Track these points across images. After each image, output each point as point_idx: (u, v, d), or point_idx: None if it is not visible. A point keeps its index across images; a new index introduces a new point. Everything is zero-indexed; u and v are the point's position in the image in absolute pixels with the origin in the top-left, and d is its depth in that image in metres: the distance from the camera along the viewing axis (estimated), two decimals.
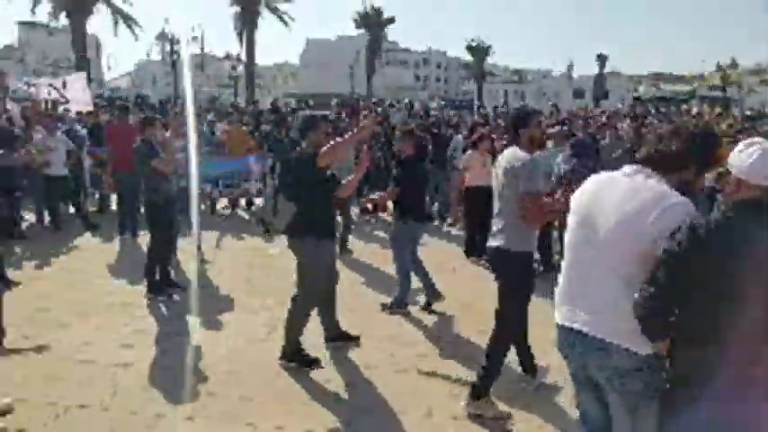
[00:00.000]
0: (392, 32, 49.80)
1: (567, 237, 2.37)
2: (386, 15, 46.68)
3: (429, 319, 5.34)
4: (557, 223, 6.40)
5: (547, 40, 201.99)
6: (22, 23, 55.09)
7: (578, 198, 2.36)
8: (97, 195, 10.17)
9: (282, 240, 8.19)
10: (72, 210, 9.12)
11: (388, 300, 5.58)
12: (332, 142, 4.16)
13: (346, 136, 4.32)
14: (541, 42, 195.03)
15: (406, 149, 5.50)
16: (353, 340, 4.68)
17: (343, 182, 4.47)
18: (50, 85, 10.19)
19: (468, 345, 4.73)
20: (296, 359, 4.26)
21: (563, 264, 2.39)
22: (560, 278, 2.39)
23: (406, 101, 16.90)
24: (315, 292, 4.31)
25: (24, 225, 8.62)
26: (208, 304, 5.59)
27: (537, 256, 6.61)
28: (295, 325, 4.28)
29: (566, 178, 5.95)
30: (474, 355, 4.32)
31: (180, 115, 6.97)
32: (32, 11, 30.49)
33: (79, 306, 5.45)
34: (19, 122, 9.38)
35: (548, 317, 2.62)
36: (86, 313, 5.27)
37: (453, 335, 5.01)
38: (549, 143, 7.23)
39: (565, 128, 8.12)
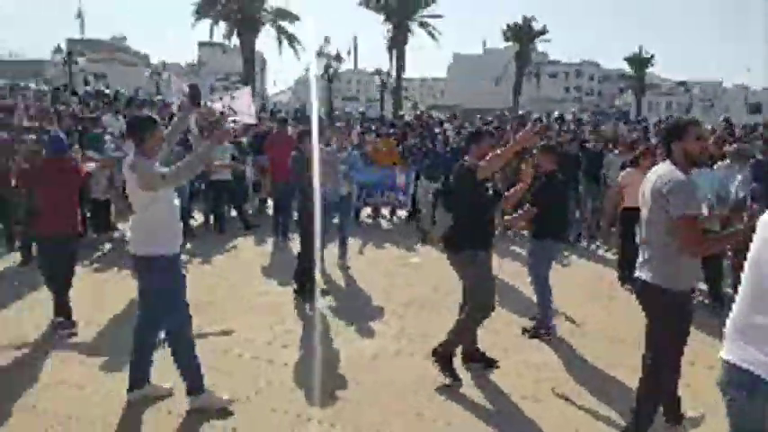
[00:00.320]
0: (542, 44, 48.08)
1: (746, 267, 2.04)
2: (536, 27, 45.49)
3: (572, 348, 4.99)
4: (728, 251, 5.70)
5: (717, 48, 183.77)
6: (201, 44, 61.96)
7: (763, 225, 2.02)
8: (257, 200, 11.00)
9: (424, 250, 8.36)
10: (234, 212, 9.92)
11: (527, 321, 5.34)
12: (490, 154, 4.07)
13: (505, 148, 4.14)
14: (711, 51, 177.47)
15: (546, 165, 5.22)
16: (492, 363, 4.50)
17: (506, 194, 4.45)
18: (221, 98, 11.24)
19: (614, 381, 4.33)
20: (441, 364, 4.19)
21: (738, 295, 2.06)
22: (733, 310, 2.06)
23: (556, 114, 16.24)
24: (484, 304, 4.19)
25: (193, 225, 9.56)
26: (350, 310, 5.75)
27: (704, 287, 6.00)
28: (461, 333, 4.23)
29: (744, 203, 5.26)
30: (621, 394, 3.96)
31: (342, 128, 7.26)
32: (211, 32, 34.22)
33: (234, 303, 5.88)
34: (195, 131, 10.42)
35: (711, 360, 2.28)
36: (240, 310, 5.66)
37: (599, 368, 4.61)
38: (726, 161, 6.51)
39: (746, 145, 7.22)
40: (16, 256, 6.84)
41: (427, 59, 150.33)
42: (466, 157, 4.30)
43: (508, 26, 45.59)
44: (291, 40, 34.84)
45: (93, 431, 3.49)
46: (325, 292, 6.19)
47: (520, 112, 16.74)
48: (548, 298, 5.17)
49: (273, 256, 7.94)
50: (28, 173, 5.15)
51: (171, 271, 3.65)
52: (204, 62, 63.25)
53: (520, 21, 44.89)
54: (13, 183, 7.01)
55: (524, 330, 5.22)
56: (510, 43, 46.76)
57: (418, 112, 20.79)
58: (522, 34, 44.82)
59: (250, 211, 10.47)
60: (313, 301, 5.93)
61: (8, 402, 3.75)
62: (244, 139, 10.76)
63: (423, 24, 37.24)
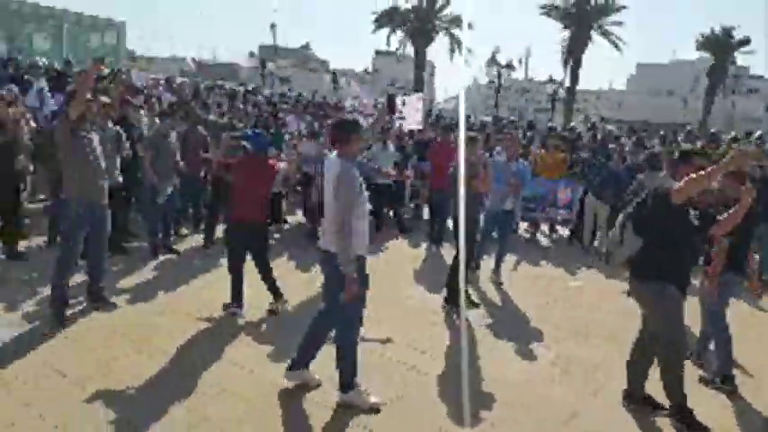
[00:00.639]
0: (743, 56, 42.65)
1: None
2: (737, 37, 40.55)
3: (749, 402, 4.27)
4: None
5: None
6: (377, 52, 64.92)
7: None
8: (413, 204, 11.11)
9: (586, 273, 7.80)
10: (391, 214, 10.12)
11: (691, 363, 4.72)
12: (688, 176, 3.60)
13: (707, 171, 3.58)
14: None
15: (733, 191, 4.49)
16: (663, 410, 3.98)
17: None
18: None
19: None
20: (686, 423, 3.79)
21: None
22: None
23: (758, 133, 14.15)
24: (673, 342, 3.77)
25: None
26: (503, 327, 5.53)
27: None
28: (672, 385, 3.83)
29: None
30: None
31: (514, 138, 6.96)
32: (388, 41, 35.74)
33: (384, 305, 5.91)
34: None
35: None
36: (389, 313, 5.68)
37: None
38: None
39: None
40: (199, 238, 7.59)
41: (605, 69, 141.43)
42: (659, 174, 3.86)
43: (703, 36, 41.30)
44: (463, 47, 35.09)
45: (244, 408, 3.70)
46: (474, 305, 6.01)
47: (711, 130, 14.89)
48: (729, 342, 4.49)
49: (425, 262, 7.93)
50: (230, 166, 5.56)
51: (359, 271, 3.68)
52: (378, 69, 66.08)
53: (718, 30, 40.45)
54: (203, 172, 7.86)
55: (701, 380, 4.58)
56: (704, 54, 42.34)
57: (589, 125, 19.61)
58: (720, 45, 40.29)
59: (406, 216, 10.61)
60: (462, 313, 5.79)
61: (173, 375, 4.13)
62: (408, 146, 10.94)
63: (604, 33, 35.22)
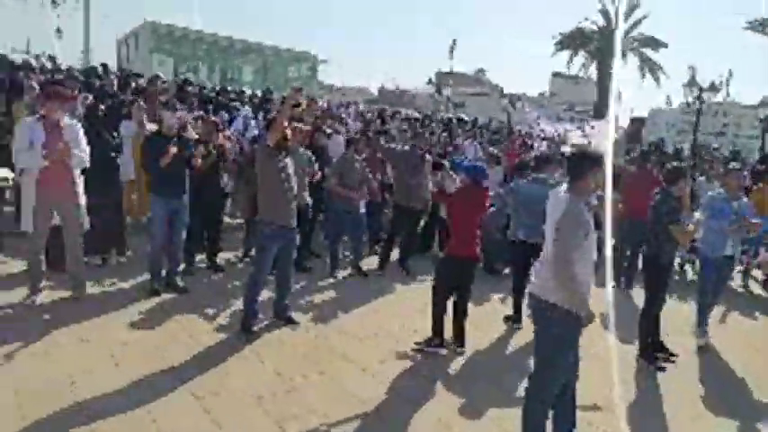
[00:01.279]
0: None
1: None
2: None
3: None
4: None
5: None
6: (555, 74, 62.93)
7: None
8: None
9: None
10: None
11: None
12: None
13: None
14: None
15: None
16: None
17: None
18: (579, 128, 10.91)
19: None
20: None
21: None
22: None
23: None
24: None
25: None
26: (708, 390, 4.79)
27: None
28: None
29: None
30: None
31: (735, 171, 5.90)
32: (568, 64, 34.39)
33: None
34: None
35: None
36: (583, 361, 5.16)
37: None
38: None
39: None
40: (373, 261, 7.65)
41: None
42: None
43: None
44: (654, 68, 32.53)
45: None
46: (671, 357, 5.25)
47: None
48: None
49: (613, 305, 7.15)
50: (446, 196, 5.33)
51: (572, 323, 3.30)
52: (555, 92, 64.04)
53: None
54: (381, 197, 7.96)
55: None
56: None
57: None
58: None
59: None
60: (656, 368, 5.08)
61: (359, 413, 4.03)
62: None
63: None
